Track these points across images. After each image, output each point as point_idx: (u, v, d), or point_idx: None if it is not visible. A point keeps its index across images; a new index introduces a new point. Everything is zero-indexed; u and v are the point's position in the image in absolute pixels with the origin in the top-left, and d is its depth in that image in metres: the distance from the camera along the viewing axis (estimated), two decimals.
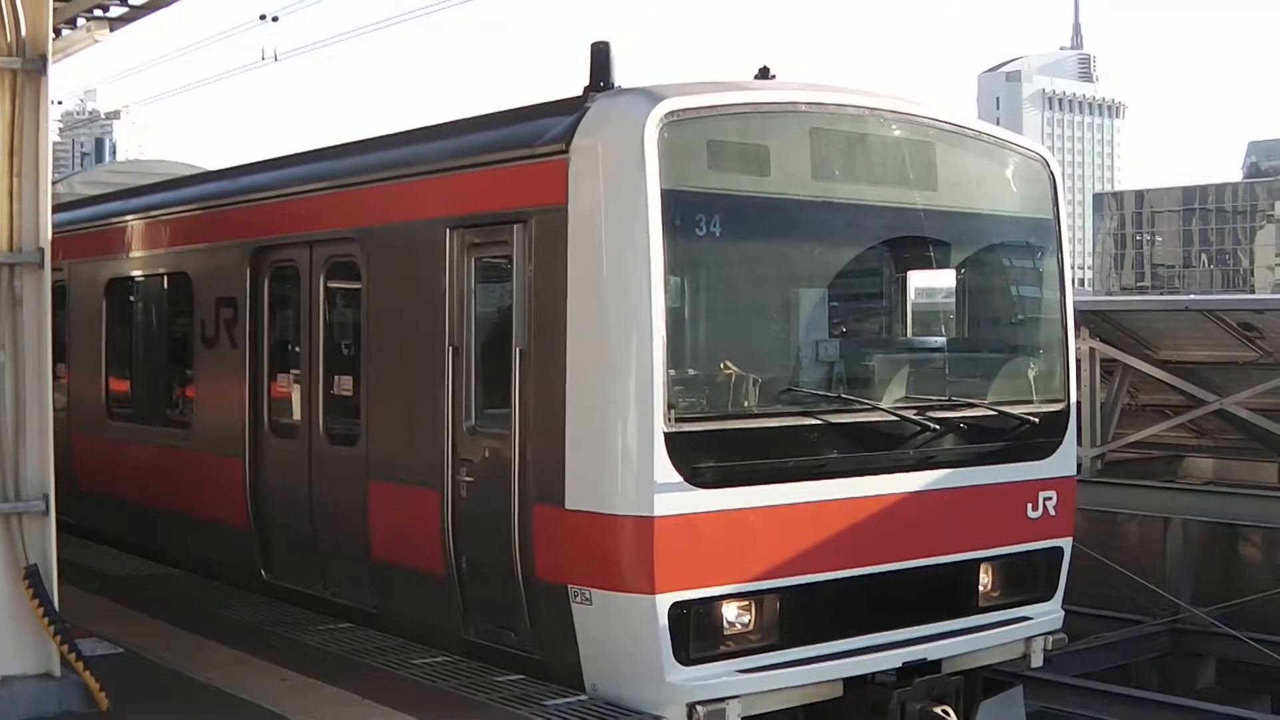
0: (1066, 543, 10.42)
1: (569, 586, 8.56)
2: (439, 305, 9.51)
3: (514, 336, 8.93)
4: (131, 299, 14.17)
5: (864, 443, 9.22)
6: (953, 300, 10.12)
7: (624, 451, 8.33)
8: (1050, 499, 10.24)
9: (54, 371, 15.21)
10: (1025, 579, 10.26)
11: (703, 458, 8.43)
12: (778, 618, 8.82)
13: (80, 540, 14.13)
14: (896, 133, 9.59)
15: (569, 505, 8.53)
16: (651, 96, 8.51)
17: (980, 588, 9.95)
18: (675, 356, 8.36)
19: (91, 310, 14.32)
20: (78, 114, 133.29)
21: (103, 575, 12.52)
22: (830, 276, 9.41)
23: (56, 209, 16.31)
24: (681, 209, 8.45)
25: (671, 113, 8.45)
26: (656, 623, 8.30)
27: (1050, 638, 10.26)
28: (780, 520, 8.78)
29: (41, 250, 8.57)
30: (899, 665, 9.28)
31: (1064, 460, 10.34)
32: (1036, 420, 10.08)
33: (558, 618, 8.67)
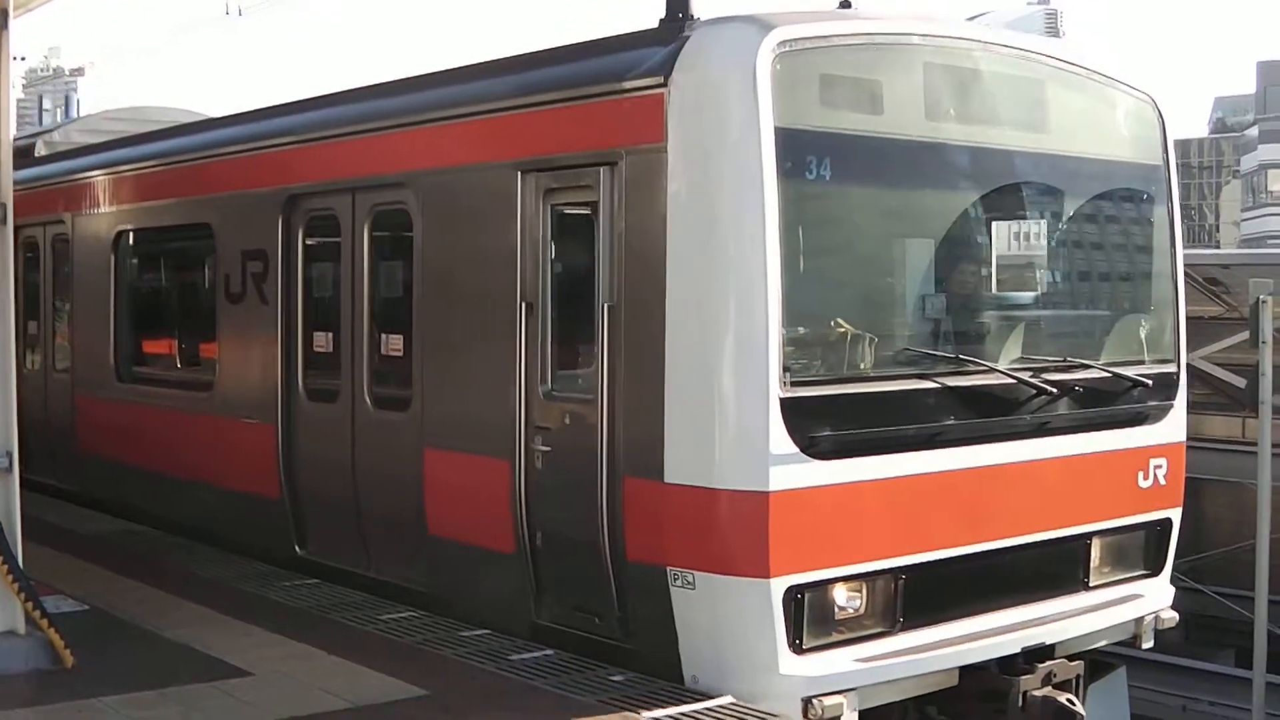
0: (1176, 514, 9.67)
1: (667, 569, 7.72)
2: (509, 257, 8.62)
3: (600, 291, 8.06)
4: (144, 252, 13.20)
5: (980, 408, 8.40)
6: (1065, 252, 9.31)
7: (735, 419, 7.50)
8: (1160, 467, 9.47)
9: (54, 330, 14.43)
10: (1135, 553, 9.52)
11: (819, 426, 7.60)
12: (893, 600, 8.03)
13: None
14: (1011, 69, 8.74)
15: (668, 479, 7.68)
16: (761, 25, 7.61)
17: (1092, 563, 9.19)
18: (790, 313, 7.51)
19: (98, 264, 13.32)
20: (41, 71, 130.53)
21: (69, 533, 12.15)
22: (943, 226, 8.54)
23: (55, 157, 15.38)
24: (794, 149, 7.59)
25: (784, 42, 7.58)
26: (770, 609, 7.50)
27: (1160, 616, 9.52)
28: (897, 493, 7.98)
29: (3, 205, 8.33)
30: (1019, 650, 8.51)
31: (1175, 425, 9.56)
32: (1150, 382, 9.30)
33: (653, 603, 7.85)
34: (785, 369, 7.46)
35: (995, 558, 8.48)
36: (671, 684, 7.73)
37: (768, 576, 7.47)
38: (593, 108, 8.15)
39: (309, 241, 10.66)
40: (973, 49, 8.53)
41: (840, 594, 7.84)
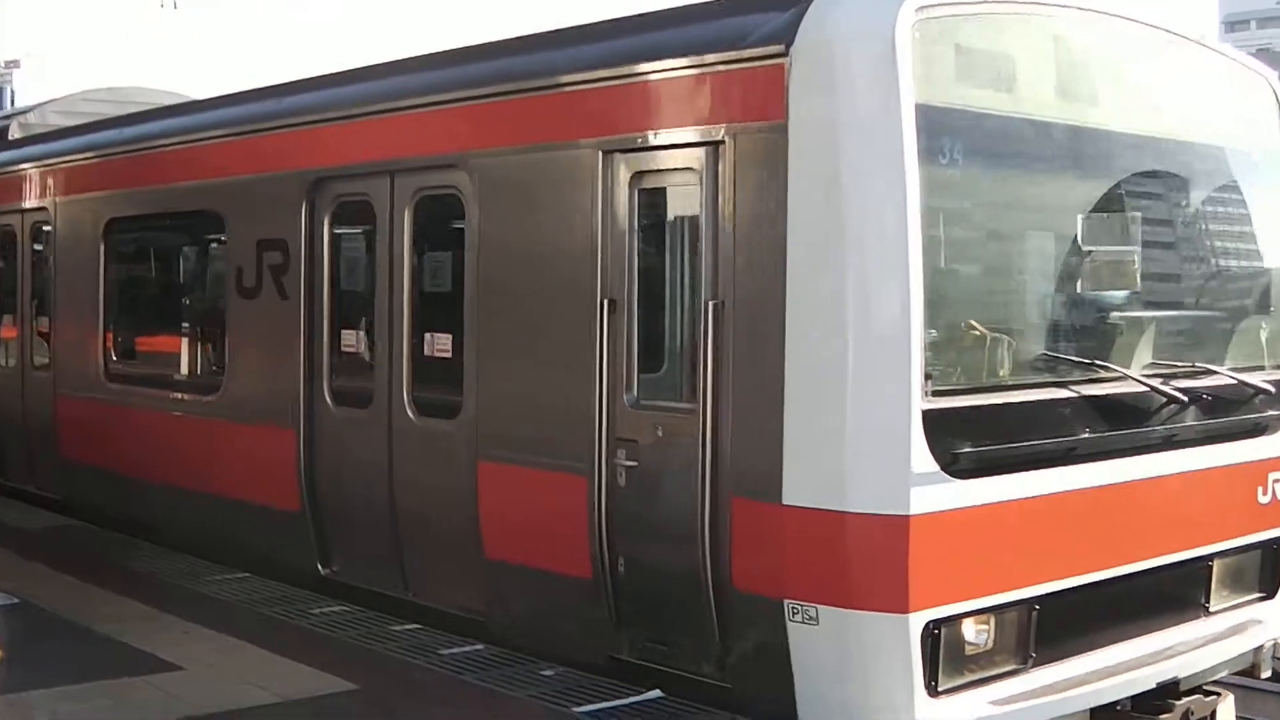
0: None
1: (784, 601, 6.83)
2: (587, 248, 7.68)
3: (704, 287, 7.15)
4: (140, 241, 12.13)
5: (1113, 418, 7.57)
6: (1190, 246, 8.51)
7: (870, 433, 6.61)
8: (1279, 481, 8.71)
9: (33, 326, 13.31)
10: (1251, 575, 8.72)
11: (961, 440, 6.72)
12: (1026, 634, 7.18)
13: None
14: (1138, 46, 7.93)
15: (788, 500, 6.78)
16: None
17: (1212, 587, 8.40)
18: (929, 313, 6.64)
19: (85, 255, 12.22)
20: None
21: (2, 527, 12.00)
22: (1075, 217, 7.70)
23: (33, 140, 14.23)
24: (934, 129, 6.71)
25: (923, 8, 6.69)
26: (908, 647, 6.62)
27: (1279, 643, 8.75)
28: (1033, 515, 7.12)
29: None
30: (1153, 686, 7.69)
31: None
32: (1273, 390, 8.52)
33: (765, 639, 6.95)
34: (927, 376, 6.59)
35: (1123, 584, 7.66)
36: (603, 679, 7.58)
37: (906, 611, 6.59)
38: (695, 81, 7.22)
39: (337, 230, 9.66)
40: (1115, 24, 7.72)
41: (969, 628, 6.98)
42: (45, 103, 15.23)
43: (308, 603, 9.31)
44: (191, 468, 10.90)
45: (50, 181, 12.91)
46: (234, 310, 10.44)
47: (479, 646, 8.18)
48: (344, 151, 9.48)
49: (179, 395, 11.22)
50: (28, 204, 13.30)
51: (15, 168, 13.72)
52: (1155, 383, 7.73)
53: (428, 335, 8.93)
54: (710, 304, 7.06)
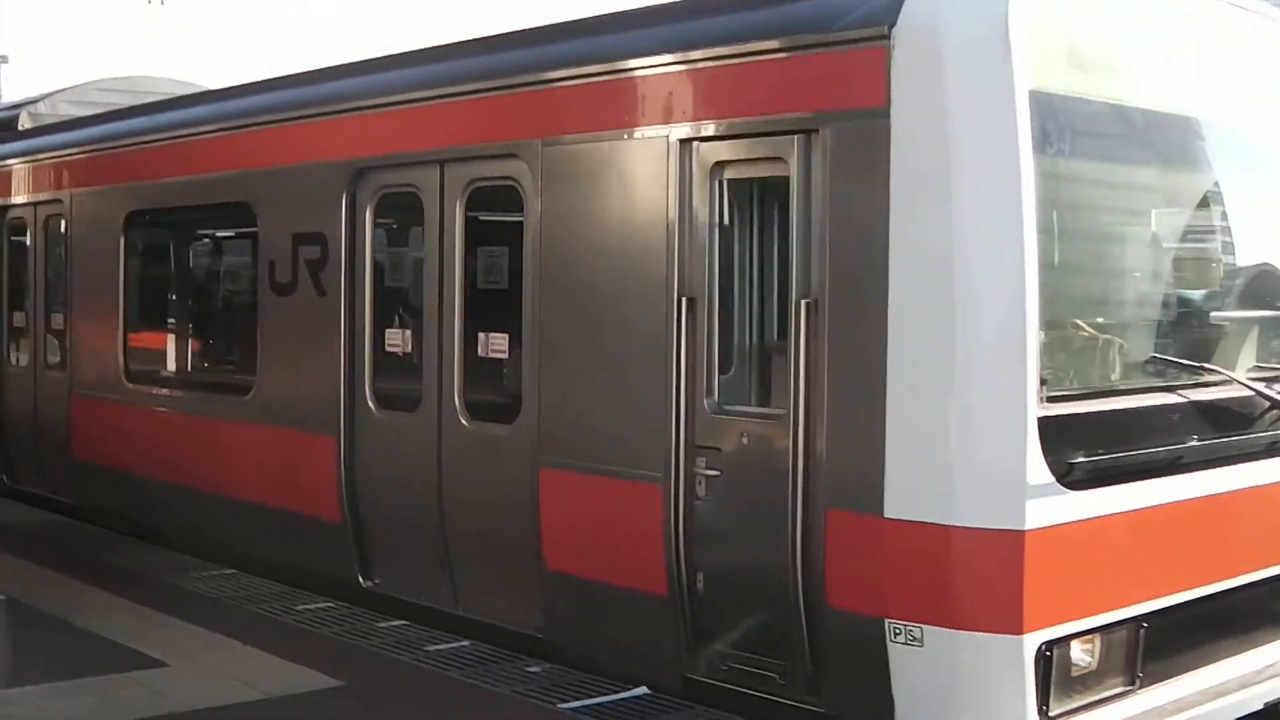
0: None
1: (886, 621, 6.39)
2: (661, 243, 7.23)
3: (795, 285, 6.70)
4: (163, 234, 11.63)
5: (1220, 424, 7.15)
6: None
7: (983, 442, 6.17)
8: None
9: (46, 323, 12.81)
10: None
11: (1076, 450, 6.30)
12: (1134, 653, 6.75)
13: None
14: (1243, 31, 7.51)
15: (890, 513, 6.34)
16: None
17: None
18: (1042, 314, 6.21)
19: (104, 248, 11.72)
20: None
21: None
22: (1185, 211, 7.29)
23: (45, 130, 13.71)
24: (1047, 117, 6.29)
25: None
26: (1021, 670, 6.19)
27: None
28: (1142, 528, 6.70)
29: None
30: (1260, 707, 7.28)
31: None
32: None
33: (863, 660, 6.50)
34: (1041, 381, 6.15)
35: (1228, 598, 7.25)
36: (588, 675, 7.51)
37: (1020, 632, 6.16)
38: (784, 64, 6.77)
39: (381, 223, 9.20)
40: (1227, 8, 7.30)
41: (1077, 648, 6.55)
42: (56, 92, 14.70)
43: (293, 599, 9.25)
44: (219, 473, 10.43)
45: (65, 173, 12.41)
46: (266, 307, 9.96)
47: (464, 643, 8.14)
48: (389, 140, 9.01)
49: (205, 396, 10.75)
50: (41, 196, 12.80)
51: (27, 159, 13.21)
52: (1261, 386, 7.32)
53: (481, 335, 8.46)
54: (803, 303, 6.62)
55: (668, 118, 7.24)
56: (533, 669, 7.70)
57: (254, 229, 10.11)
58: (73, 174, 12.27)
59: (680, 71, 7.24)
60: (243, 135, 10.27)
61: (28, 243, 13.08)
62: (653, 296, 7.26)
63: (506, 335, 8.30)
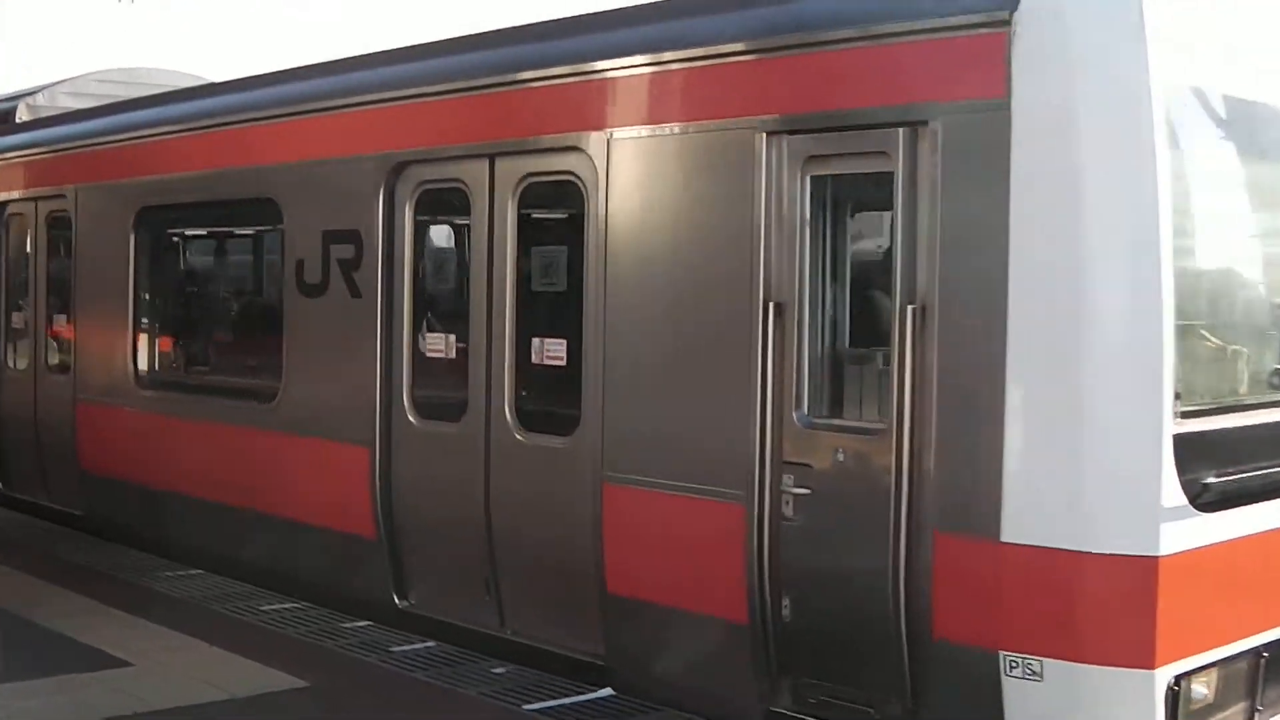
0: None
1: (1000, 653, 5.90)
2: (745, 245, 6.73)
3: (899, 290, 6.21)
4: (177, 231, 11.06)
5: None
6: None
7: (1114, 461, 5.70)
8: None
9: (48, 324, 12.21)
10: None
11: (1209, 469, 5.84)
12: (1253, 684, 6.31)
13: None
14: None
15: (1008, 538, 5.86)
16: None
17: None
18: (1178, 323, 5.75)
19: (112, 246, 11.14)
20: None
21: None
22: None
23: (46, 122, 13.12)
24: (1182, 111, 5.84)
25: None
26: (1153, 706, 5.73)
27: None
28: (1265, 552, 6.27)
29: None
30: None
31: None
32: None
33: (974, 695, 6.02)
34: (1175, 395, 5.69)
35: None
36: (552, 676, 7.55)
37: (1151, 666, 5.70)
38: (889, 51, 6.28)
39: (422, 220, 8.67)
40: None
41: (1198, 681, 6.09)
42: (55, 84, 14.11)
43: (258, 599, 9.22)
44: (239, 484, 9.87)
45: (70, 166, 11.83)
46: (292, 309, 9.41)
47: (430, 644, 8.15)
48: (432, 132, 8.48)
49: (225, 403, 10.18)
50: (42, 191, 12.21)
51: (27, 152, 12.62)
52: None
53: (535, 340, 7.94)
54: (909, 308, 6.13)
55: (755, 109, 6.74)
56: (497, 670, 7.68)
57: (279, 226, 9.56)
58: (78, 168, 11.69)
59: (769, 59, 6.74)
60: (268, 127, 9.72)
61: (28, 240, 12.49)
62: (734, 301, 6.76)
63: (564, 340, 7.79)
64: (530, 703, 7.15)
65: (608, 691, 7.24)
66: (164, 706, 6.96)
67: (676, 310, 7.12)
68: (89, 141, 11.61)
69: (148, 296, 11.06)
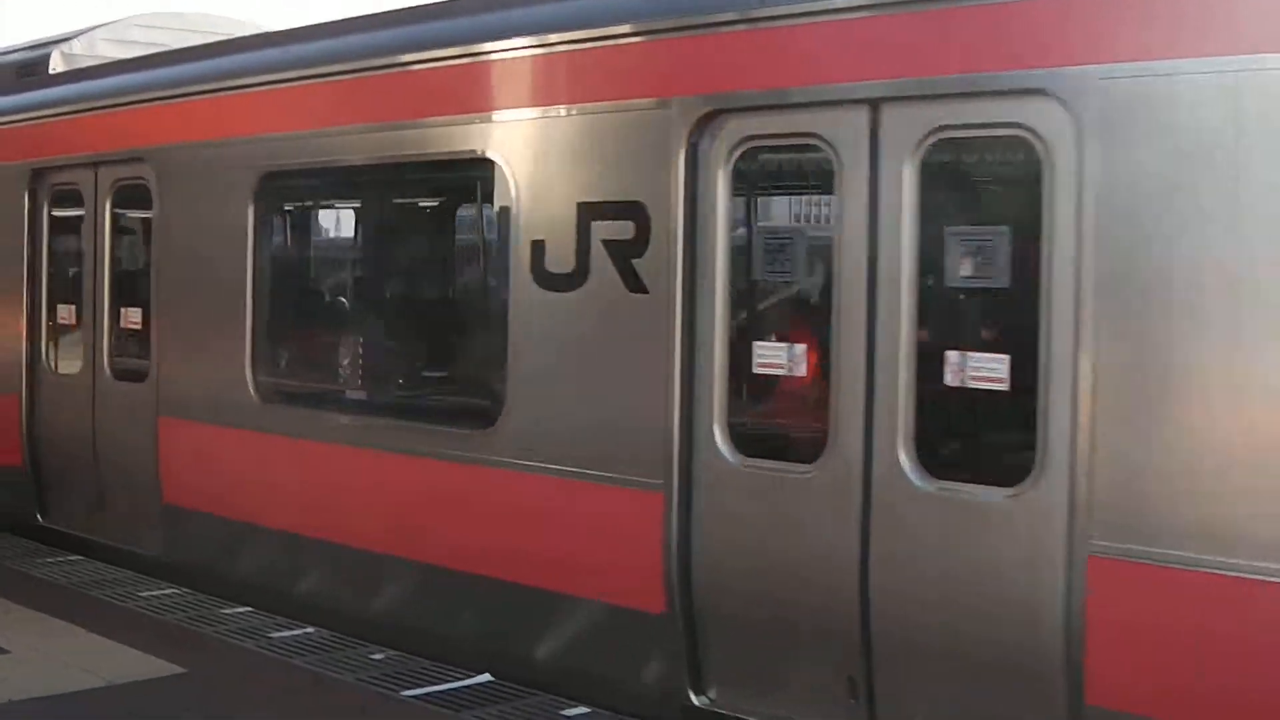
0: None
1: None
2: None
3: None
4: (326, 202, 8.69)
5: None
6: None
7: None
8: None
9: (114, 320, 9.74)
10: None
11: None
12: None
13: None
14: None
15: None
16: None
17: None
18: None
19: (219, 221, 8.72)
20: None
21: None
22: None
23: (100, 71, 10.56)
24: None
25: None
26: None
27: None
28: None
29: None
30: None
31: None
32: None
33: None
34: None
35: None
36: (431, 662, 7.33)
37: None
38: None
39: (742, 191, 6.47)
40: None
41: None
42: (91, 28, 11.67)
43: (136, 585, 9.04)
44: (426, 533, 7.56)
45: (149, 122, 9.36)
46: (524, 305, 7.11)
47: (309, 630, 7.99)
48: (767, 69, 6.27)
49: (401, 427, 7.81)
50: (106, 155, 9.72)
51: (76, 107, 10.12)
52: None
53: (951, 354, 5.77)
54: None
55: None
56: (376, 656, 7.56)
57: (501, 195, 7.27)
58: (163, 124, 9.23)
59: None
60: (472, 66, 7.38)
61: (84, 215, 9.97)
62: None
63: (1002, 355, 5.63)
64: (408, 688, 7.02)
65: (486, 677, 7.07)
66: (40, 694, 6.84)
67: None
68: (182, 91, 9.14)
69: (274, 286, 8.64)
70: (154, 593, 8.83)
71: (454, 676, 7.16)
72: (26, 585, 9.03)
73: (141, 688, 7.04)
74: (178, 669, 7.31)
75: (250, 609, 8.28)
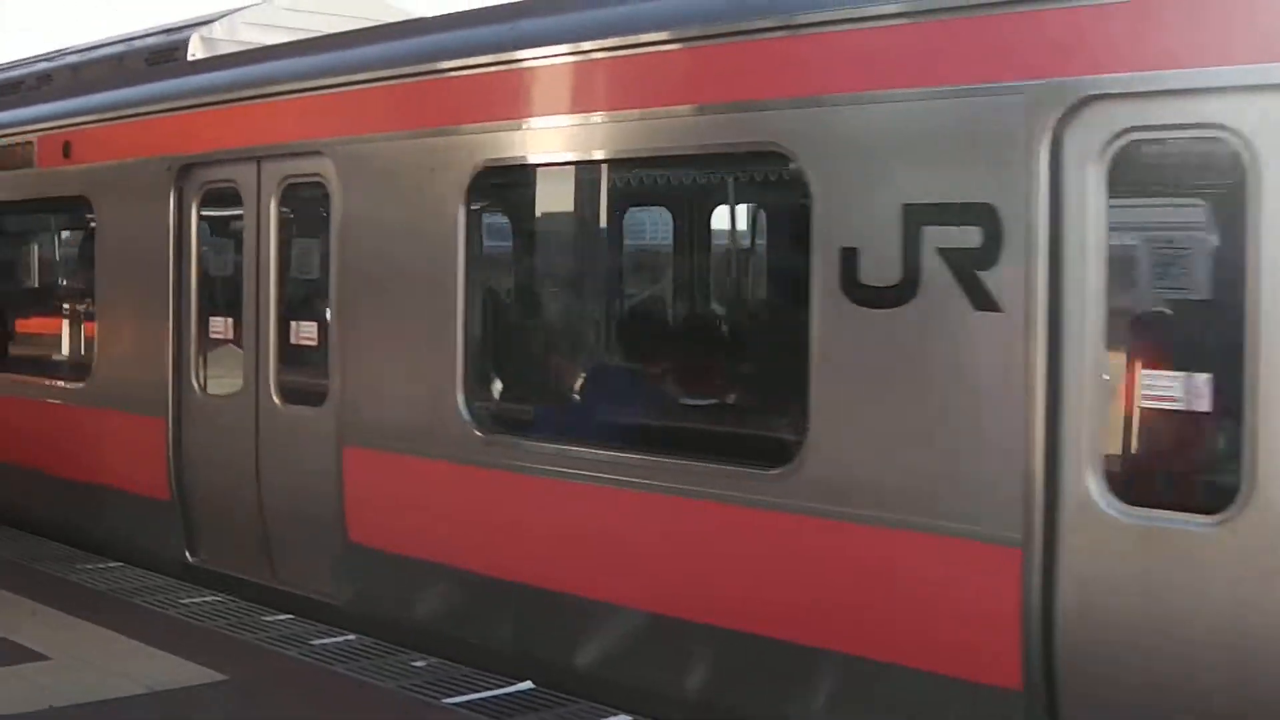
0: None
1: None
2: None
3: None
4: (559, 202, 7.66)
5: None
6: None
7: None
8: None
9: (282, 336, 8.72)
10: None
11: None
12: None
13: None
14: None
15: None
16: None
17: None
18: None
19: (420, 225, 7.71)
20: None
21: None
22: None
23: (256, 56, 9.40)
24: None
25: None
26: None
27: None
28: None
29: None
30: None
31: None
32: None
33: None
34: None
35: None
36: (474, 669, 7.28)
37: None
38: None
39: (1117, 192, 5.45)
40: None
41: None
42: (232, 12, 10.76)
43: (177, 592, 9.10)
44: (722, 591, 6.52)
45: (329, 112, 8.37)
46: (830, 322, 6.07)
47: (350, 637, 8.02)
48: (1165, 45, 5.27)
49: (666, 465, 6.71)
50: (273, 150, 8.74)
51: (231, 96, 9.14)
52: None
53: None
54: None
55: None
56: (417, 664, 7.55)
57: (794, 193, 6.26)
58: (347, 113, 8.24)
59: None
60: (763, 44, 6.36)
61: (244, 217, 8.97)
62: None
63: None
64: (450, 696, 7.02)
65: (528, 684, 7.08)
66: (81, 701, 6.88)
67: None
68: (371, 76, 8.13)
69: (492, 299, 7.63)
70: (194, 600, 8.87)
71: (494, 684, 7.16)
72: (66, 591, 9.06)
73: (182, 694, 7.09)
74: (219, 675, 7.33)
75: (291, 616, 8.23)
